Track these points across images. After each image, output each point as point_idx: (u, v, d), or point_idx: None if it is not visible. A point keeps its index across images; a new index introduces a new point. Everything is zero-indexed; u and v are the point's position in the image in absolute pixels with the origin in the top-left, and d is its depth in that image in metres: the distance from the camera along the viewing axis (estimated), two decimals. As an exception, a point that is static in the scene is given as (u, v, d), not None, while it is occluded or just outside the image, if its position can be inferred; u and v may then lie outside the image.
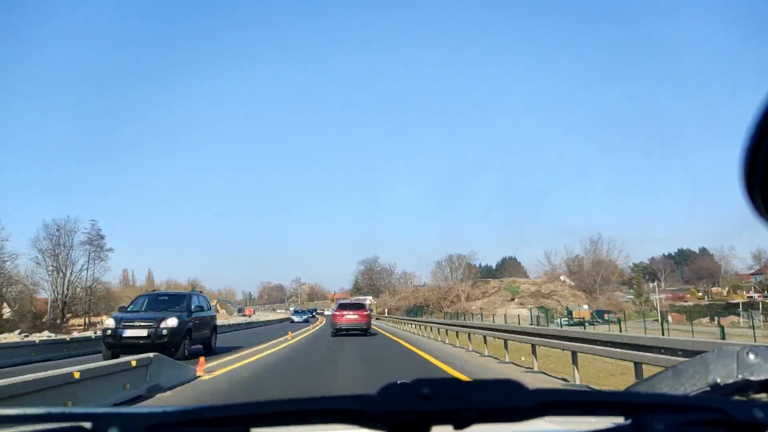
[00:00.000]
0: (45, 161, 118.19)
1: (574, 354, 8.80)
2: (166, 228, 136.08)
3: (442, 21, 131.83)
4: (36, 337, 24.18)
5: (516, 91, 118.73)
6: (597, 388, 8.11)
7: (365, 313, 23.49)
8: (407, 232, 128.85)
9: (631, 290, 78.94)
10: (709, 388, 0.94)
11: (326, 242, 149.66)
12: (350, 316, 22.80)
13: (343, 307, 23.94)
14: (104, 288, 60.55)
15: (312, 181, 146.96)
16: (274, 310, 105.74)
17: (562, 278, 73.33)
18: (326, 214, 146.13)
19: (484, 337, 14.57)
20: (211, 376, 9.30)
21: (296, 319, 51.50)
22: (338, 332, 22.41)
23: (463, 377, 8.43)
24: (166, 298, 14.50)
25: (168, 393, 7.59)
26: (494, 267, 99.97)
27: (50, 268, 52.89)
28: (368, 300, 66.72)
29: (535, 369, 10.62)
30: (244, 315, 71.74)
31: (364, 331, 22.73)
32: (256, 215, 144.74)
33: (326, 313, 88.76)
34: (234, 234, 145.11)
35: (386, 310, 66.61)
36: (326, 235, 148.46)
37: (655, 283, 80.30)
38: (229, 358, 12.96)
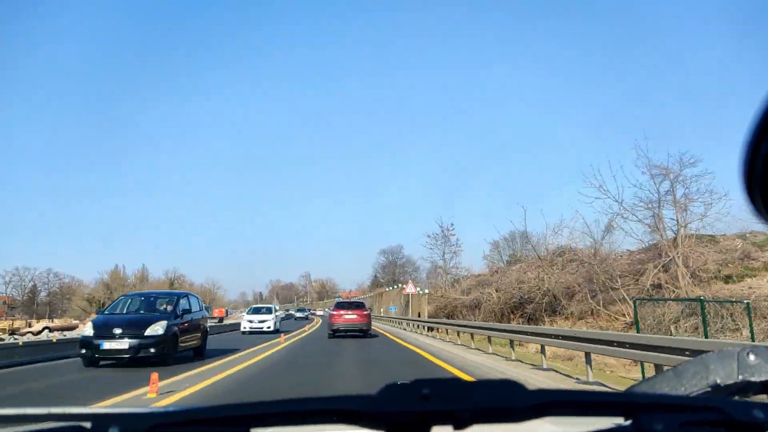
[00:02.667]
0: (46, 160, 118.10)
1: None
2: (171, 227, 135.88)
3: (443, 19, 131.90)
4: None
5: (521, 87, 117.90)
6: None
7: (365, 312, 22.62)
8: (425, 226, 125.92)
9: None
10: (709, 389, 0.94)
11: (339, 236, 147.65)
12: (349, 316, 21.90)
13: (340, 306, 23.02)
14: (66, 285, 53.33)
15: (321, 177, 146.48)
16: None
17: None
18: (337, 207, 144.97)
19: None
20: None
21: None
22: (335, 333, 21.65)
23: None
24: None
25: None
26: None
27: None
28: (410, 288, 35.32)
29: None
30: (212, 317, 53.57)
31: (364, 332, 21.95)
32: (264, 213, 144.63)
33: (318, 313, 74.43)
34: (243, 233, 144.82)
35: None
36: (338, 230, 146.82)
37: None
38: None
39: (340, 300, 27.26)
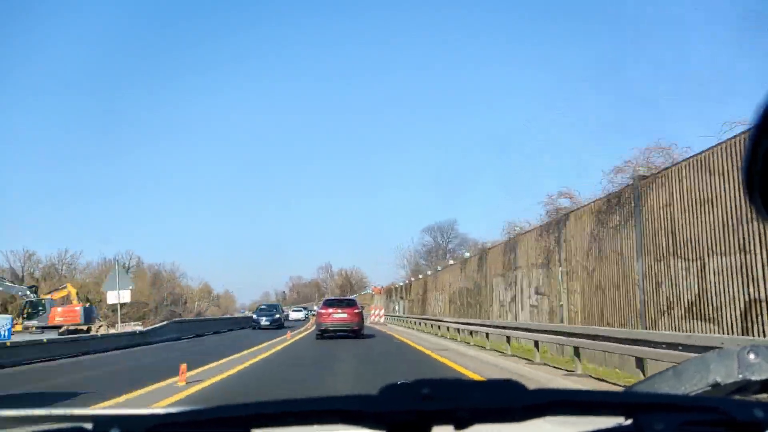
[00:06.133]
0: (46, 160, 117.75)
1: None
2: (177, 229, 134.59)
3: (440, 20, 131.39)
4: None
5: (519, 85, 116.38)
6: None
7: (356, 311, 20.81)
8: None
9: None
10: (709, 388, 0.94)
11: (361, 230, 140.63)
12: (339, 315, 20.18)
13: (330, 304, 21.49)
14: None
15: (334, 173, 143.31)
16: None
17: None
18: (354, 202, 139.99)
19: None
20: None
21: None
22: (324, 334, 20.21)
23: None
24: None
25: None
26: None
27: None
28: None
29: None
30: (44, 326, 28.70)
31: (355, 333, 20.18)
32: (279, 211, 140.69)
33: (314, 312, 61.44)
34: (259, 233, 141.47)
35: None
36: (359, 223, 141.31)
37: None
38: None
39: (330, 298, 26.01)
